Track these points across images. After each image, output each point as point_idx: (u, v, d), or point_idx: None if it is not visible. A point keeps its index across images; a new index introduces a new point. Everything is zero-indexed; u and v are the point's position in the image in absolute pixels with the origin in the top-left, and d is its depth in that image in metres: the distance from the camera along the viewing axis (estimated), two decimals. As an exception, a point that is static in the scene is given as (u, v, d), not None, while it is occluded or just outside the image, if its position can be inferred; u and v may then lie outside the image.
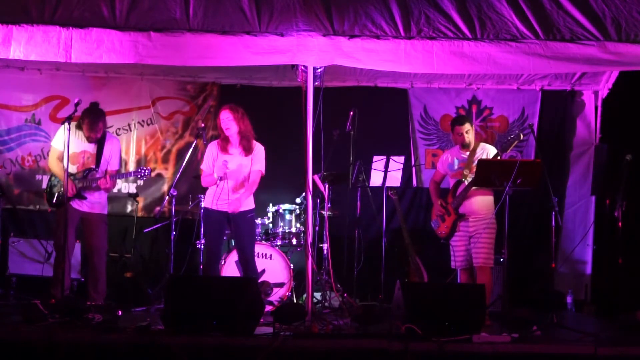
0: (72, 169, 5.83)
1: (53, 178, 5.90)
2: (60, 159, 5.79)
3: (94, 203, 5.87)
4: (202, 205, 5.95)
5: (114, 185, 6.01)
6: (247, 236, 5.75)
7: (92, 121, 5.80)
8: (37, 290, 6.18)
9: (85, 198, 5.80)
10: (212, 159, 5.65)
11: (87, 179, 5.82)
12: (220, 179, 5.57)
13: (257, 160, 5.66)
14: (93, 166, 5.86)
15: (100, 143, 5.90)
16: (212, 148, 5.70)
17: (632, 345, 4.36)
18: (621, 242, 6.00)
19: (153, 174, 7.46)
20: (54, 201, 5.82)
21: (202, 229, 6.40)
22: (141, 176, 6.07)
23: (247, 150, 5.62)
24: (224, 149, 5.63)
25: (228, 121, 5.58)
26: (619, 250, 5.98)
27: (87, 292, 5.85)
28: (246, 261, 5.72)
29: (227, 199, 5.57)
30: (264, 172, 5.70)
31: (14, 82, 7.28)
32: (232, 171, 5.59)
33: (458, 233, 5.78)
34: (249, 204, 5.69)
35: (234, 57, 5.17)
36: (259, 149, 5.70)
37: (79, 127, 5.87)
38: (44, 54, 5.06)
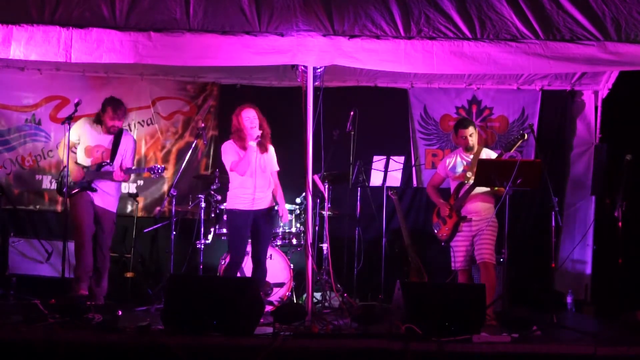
0: (87, 162, 5.99)
1: (64, 170, 5.93)
2: (71, 149, 5.93)
3: (106, 197, 5.98)
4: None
5: (127, 178, 6.09)
6: (268, 233, 5.80)
7: (115, 107, 5.95)
8: (37, 290, 6.18)
9: (95, 190, 5.89)
10: (236, 152, 5.55)
11: (99, 172, 5.90)
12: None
13: (273, 160, 5.70)
14: (107, 160, 5.95)
15: (117, 137, 6.02)
16: (231, 145, 5.60)
17: (632, 345, 4.36)
18: (621, 242, 6.00)
19: (153, 174, 7.46)
20: (65, 190, 5.85)
21: (202, 230, 6.40)
22: (154, 173, 6.09)
23: (264, 149, 5.60)
24: (242, 147, 5.55)
25: (254, 120, 5.53)
26: (619, 250, 5.98)
27: (89, 289, 5.88)
28: (259, 260, 5.66)
29: (253, 197, 5.54)
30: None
31: (14, 82, 7.27)
32: (258, 168, 5.55)
33: (460, 234, 5.78)
34: (272, 200, 5.74)
35: (234, 57, 5.17)
36: (272, 148, 5.73)
37: (97, 120, 6.01)
38: (44, 54, 5.07)
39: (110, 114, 5.94)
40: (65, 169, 5.84)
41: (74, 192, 5.88)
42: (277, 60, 5.22)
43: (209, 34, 5.13)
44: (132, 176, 7.38)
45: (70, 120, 5.59)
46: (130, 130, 7.39)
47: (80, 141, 6.00)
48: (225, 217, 6.34)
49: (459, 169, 5.89)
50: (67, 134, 5.63)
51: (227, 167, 5.60)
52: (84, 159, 5.99)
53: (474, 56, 5.17)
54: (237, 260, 5.64)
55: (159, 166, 6.10)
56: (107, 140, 6.02)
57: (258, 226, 5.62)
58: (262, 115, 5.61)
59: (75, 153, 6.03)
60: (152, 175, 6.34)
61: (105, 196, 5.99)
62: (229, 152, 5.59)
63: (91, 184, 5.90)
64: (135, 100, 7.42)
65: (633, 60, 5.18)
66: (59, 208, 7.19)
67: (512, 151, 5.64)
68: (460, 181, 5.83)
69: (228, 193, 5.68)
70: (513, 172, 5.18)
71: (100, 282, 5.97)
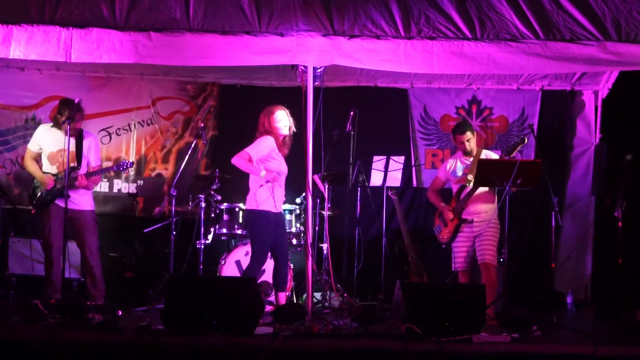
0: (52, 169, 5.77)
1: (36, 180, 5.84)
2: (34, 159, 5.82)
3: (80, 200, 5.78)
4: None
5: (92, 183, 5.88)
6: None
7: (72, 108, 5.61)
8: (37, 290, 6.17)
9: (69, 196, 5.65)
10: (271, 150, 5.39)
11: (69, 177, 5.73)
12: (267, 182, 5.35)
13: None
14: (74, 164, 5.75)
15: (78, 139, 5.83)
16: (272, 142, 5.42)
17: (632, 345, 4.36)
18: (621, 242, 6.00)
19: (153, 174, 7.46)
20: (35, 202, 5.76)
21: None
22: (123, 169, 6.03)
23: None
24: (280, 149, 5.48)
25: (287, 120, 5.46)
26: (619, 250, 5.98)
27: (87, 291, 5.86)
28: (280, 262, 5.55)
29: (281, 200, 5.51)
30: None
31: (14, 82, 7.28)
32: (284, 173, 5.52)
33: (461, 234, 5.77)
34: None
35: (234, 57, 5.17)
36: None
37: (55, 125, 5.77)
38: (44, 54, 5.07)
39: (67, 115, 5.62)
40: (35, 181, 5.75)
41: (46, 202, 5.69)
42: (277, 60, 5.22)
43: (209, 34, 5.13)
44: (132, 176, 7.39)
45: (70, 120, 5.54)
46: (130, 130, 7.40)
47: (42, 150, 5.79)
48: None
49: (460, 173, 5.88)
50: (67, 135, 5.50)
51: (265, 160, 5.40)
52: (49, 167, 5.77)
53: (474, 56, 5.18)
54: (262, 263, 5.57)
55: (127, 161, 5.99)
56: (70, 143, 5.74)
57: (282, 226, 5.69)
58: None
59: (38, 162, 5.84)
60: (122, 171, 6.18)
61: (78, 198, 5.76)
62: (267, 145, 5.37)
63: (63, 190, 5.64)
64: (135, 100, 7.43)
65: (633, 60, 5.18)
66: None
67: (512, 155, 5.63)
68: (462, 184, 5.82)
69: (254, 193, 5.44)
70: (513, 172, 5.19)
71: (96, 284, 5.80)
